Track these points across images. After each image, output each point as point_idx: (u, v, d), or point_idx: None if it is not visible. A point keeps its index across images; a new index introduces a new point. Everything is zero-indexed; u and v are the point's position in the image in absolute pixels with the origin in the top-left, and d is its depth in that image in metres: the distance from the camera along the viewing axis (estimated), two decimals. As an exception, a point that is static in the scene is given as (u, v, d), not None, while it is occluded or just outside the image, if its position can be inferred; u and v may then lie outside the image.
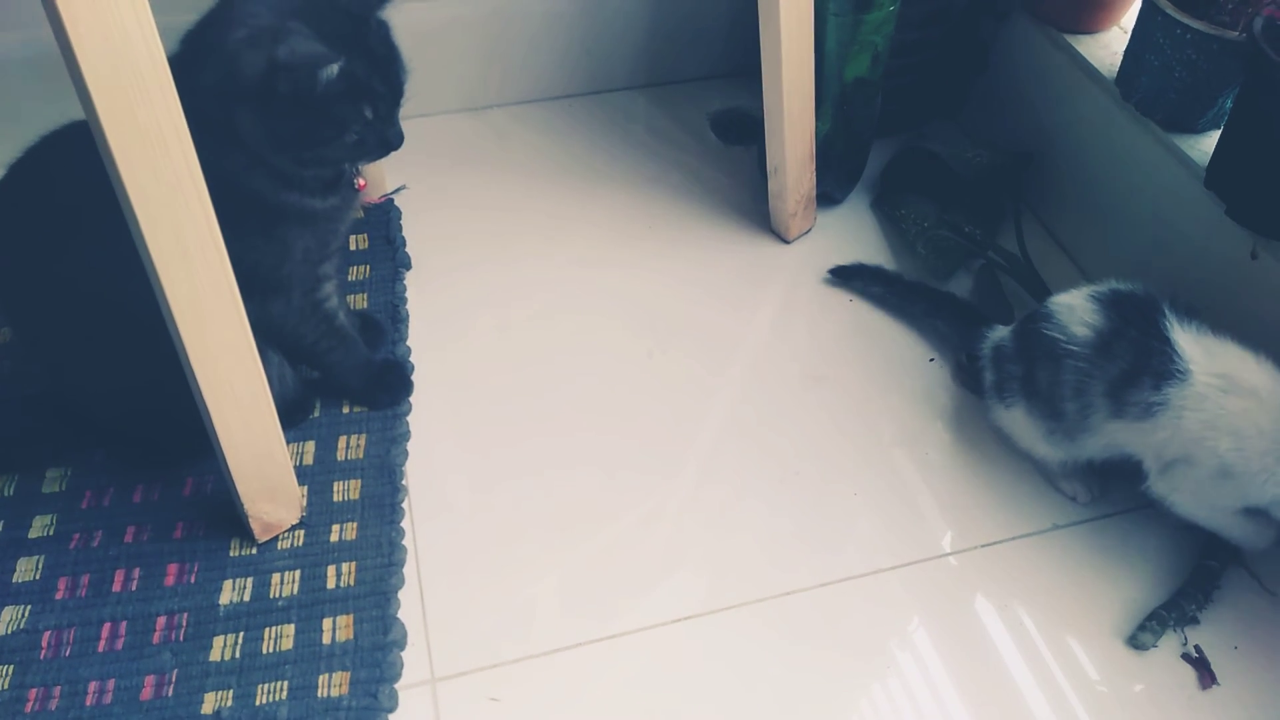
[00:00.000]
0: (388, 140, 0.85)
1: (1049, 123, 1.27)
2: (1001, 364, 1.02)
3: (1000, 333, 1.05)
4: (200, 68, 0.79)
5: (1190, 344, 0.87)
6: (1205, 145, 1.05)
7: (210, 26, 0.80)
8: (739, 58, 1.49)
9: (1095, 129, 1.19)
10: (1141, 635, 0.90)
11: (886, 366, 1.14)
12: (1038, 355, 0.96)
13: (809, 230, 1.30)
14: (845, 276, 1.22)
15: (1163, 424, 0.87)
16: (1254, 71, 0.93)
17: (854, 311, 1.20)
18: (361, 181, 0.93)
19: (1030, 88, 1.30)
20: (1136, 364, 0.88)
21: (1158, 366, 0.87)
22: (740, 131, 1.42)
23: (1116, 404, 0.90)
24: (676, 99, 1.50)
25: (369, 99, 0.81)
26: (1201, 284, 1.07)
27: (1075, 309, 0.94)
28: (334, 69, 0.76)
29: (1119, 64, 1.14)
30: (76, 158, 0.77)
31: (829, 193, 1.31)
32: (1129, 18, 1.18)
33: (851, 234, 1.30)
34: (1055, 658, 0.90)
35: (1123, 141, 1.14)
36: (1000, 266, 1.22)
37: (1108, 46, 1.20)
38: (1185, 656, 0.89)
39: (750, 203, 1.32)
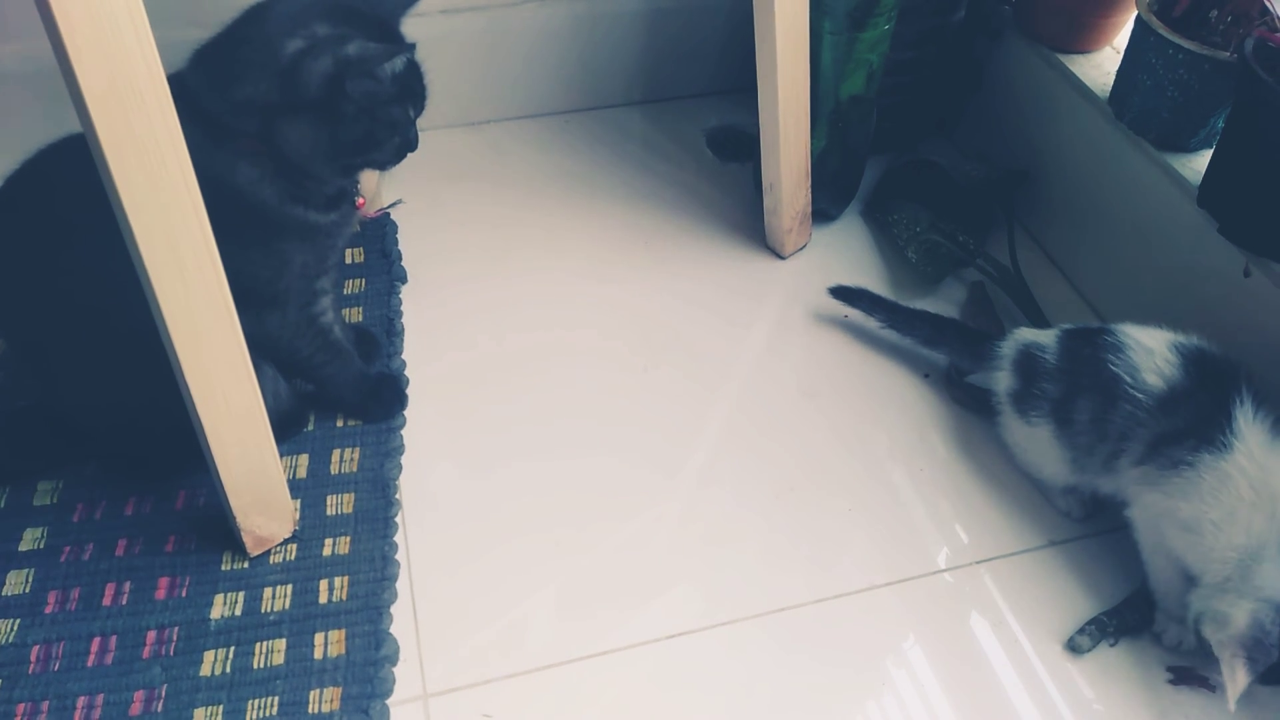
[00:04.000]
0: (412, 142, 0.88)
1: (1042, 141, 1.28)
2: (1032, 376, 0.96)
3: (1029, 335, 0.99)
4: (234, 82, 0.80)
5: (1248, 426, 0.84)
6: (1198, 164, 1.06)
7: (239, 43, 0.81)
8: (735, 75, 1.50)
9: (1088, 148, 1.20)
10: (1078, 639, 0.90)
11: (881, 382, 1.14)
12: (1089, 385, 0.91)
13: (804, 246, 1.30)
14: (846, 298, 1.17)
15: (1177, 481, 0.85)
16: (1245, 91, 0.93)
17: (849, 327, 1.20)
18: (360, 199, 0.94)
19: (1024, 106, 1.31)
20: (1189, 426, 0.85)
21: (1206, 432, 0.84)
22: (736, 148, 1.43)
23: (1149, 453, 0.87)
24: (672, 115, 1.50)
25: (412, 99, 0.85)
26: (1194, 302, 1.07)
27: (1155, 354, 0.89)
28: (400, 62, 0.79)
29: (1112, 83, 1.15)
30: (73, 171, 0.77)
31: (824, 209, 1.32)
32: (1122, 38, 1.19)
33: (847, 250, 1.30)
34: (1050, 676, 0.89)
35: (1115, 160, 1.15)
36: (990, 276, 1.23)
37: (1100, 66, 1.21)
38: (1171, 683, 0.89)
39: (746, 219, 1.33)
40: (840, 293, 1.18)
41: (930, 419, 1.11)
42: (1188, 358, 0.88)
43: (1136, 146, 1.11)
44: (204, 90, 0.79)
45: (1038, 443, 0.98)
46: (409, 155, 0.89)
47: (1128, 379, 0.88)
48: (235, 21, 0.82)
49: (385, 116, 0.83)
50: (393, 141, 0.85)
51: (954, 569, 0.97)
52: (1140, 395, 0.88)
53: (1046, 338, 0.98)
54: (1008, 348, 1.01)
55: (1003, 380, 1.01)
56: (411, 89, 0.85)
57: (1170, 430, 0.86)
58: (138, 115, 0.67)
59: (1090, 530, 1.00)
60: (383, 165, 0.88)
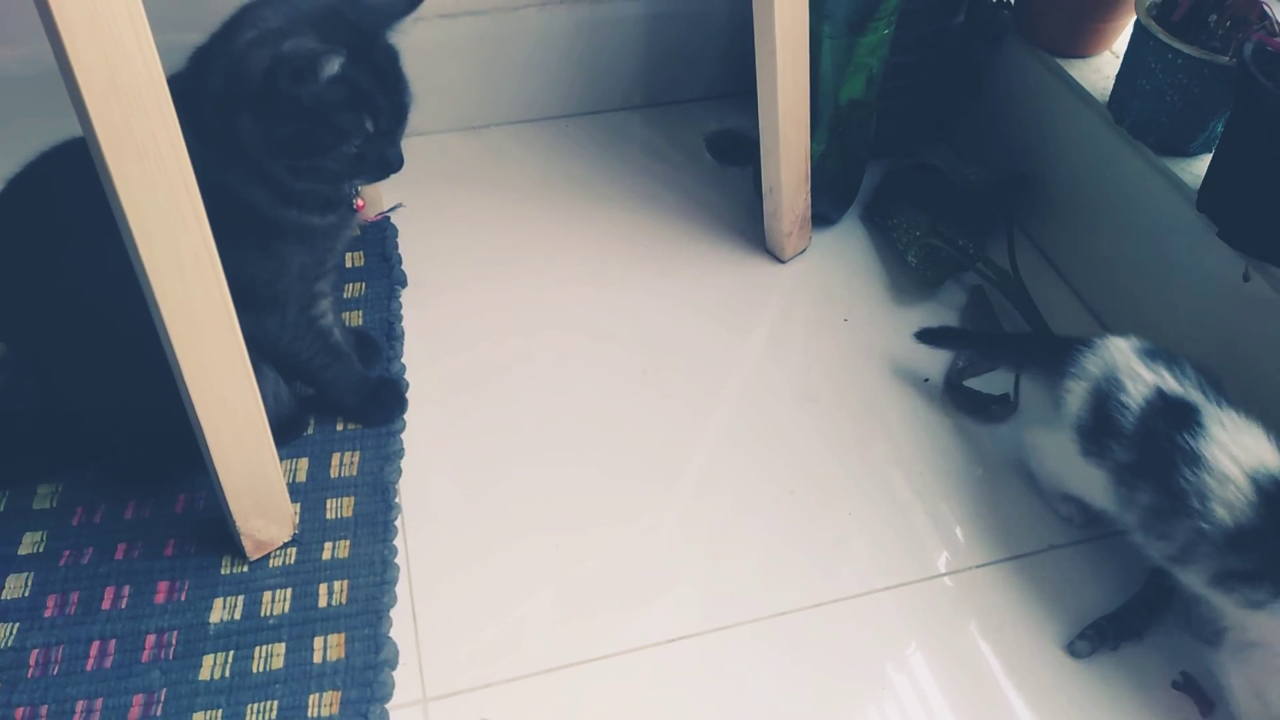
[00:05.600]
0: (388, 160, 0.85)
1: (1042, 145, 1.28)
2: (1105, 422, 0.86)
3: (1119, 359, 0.87)
4: (207, 75, 0.80)
5: None
6: (1197, 168, 1.06)
7: (220, 38, 0.81)
8: (735, 79, 1.50)
9: (1088, 152, 1.20)
10: (1079, 643, 0.90)
11: (881, 386, 1.14)
12: (1157, 476, 0.82)
13: (804, 250, 1.30)
14: (932, 339, 1.11)
15: (1262, 620, 0.78)
16: (1244, 95, 0.93)
17: (848, 331, 1.20)
18: (360, 201, 0.93)
19: (1023, 111, 1.31)
20: (1263, 569, 0.77)
21: None
22: (736, 152, 1.43)
23: (1221, 581, 0.80)
24: (673, 119, 1.50)
25: (370, 111, 0.81)
26: (1194, 306, 1.07)
27: (1230, 482, 0.78)
28: (335, 64, 0.76)
29: (1111, 88, 1.15)
30: (73, 173, 0.77)
31: (824, 213, 1.32)
32: (1121, 42, 1.19)
33: (847, 254, 1.30)
34: (1051, 680, 0.89)
35: (1115, 164, 1.15)
36: (989, 280, 1.23)
37: (1100, 70, 1.21)
38: (1174, 684, 0.89)
39: (746, 223, 1.33)
40: (925, 335, 1.11)
41: (929, 423, 1.10)
42: (1264, 493, 0.78)
43: (1136, 151, 1.11)
44: (193, 89, 0.79)
45: (1087, 478, 0.90)
46: (405, 162, 0.86)
47: (1196, 501, 0.80)
48: (225, 22, 0.82)
49: (330, 121, 0.79)
50: (340, 150, 0.81)
51: (954, 573, 0.97)
52: (1207, 526, 0.79)
53: (1135, 386, 0.86)
54: (1093, 364, 0.89)
55: (1073, 397, 0.90)
56: (368, 99, 0.80)
57: (1241, 569, 0.79)
58: (138, 118, 0.67)
59: (1090, 535, 1.00)
60: (339, 176, 0.84)
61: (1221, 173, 1.00)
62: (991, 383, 1.14)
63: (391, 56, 0.84)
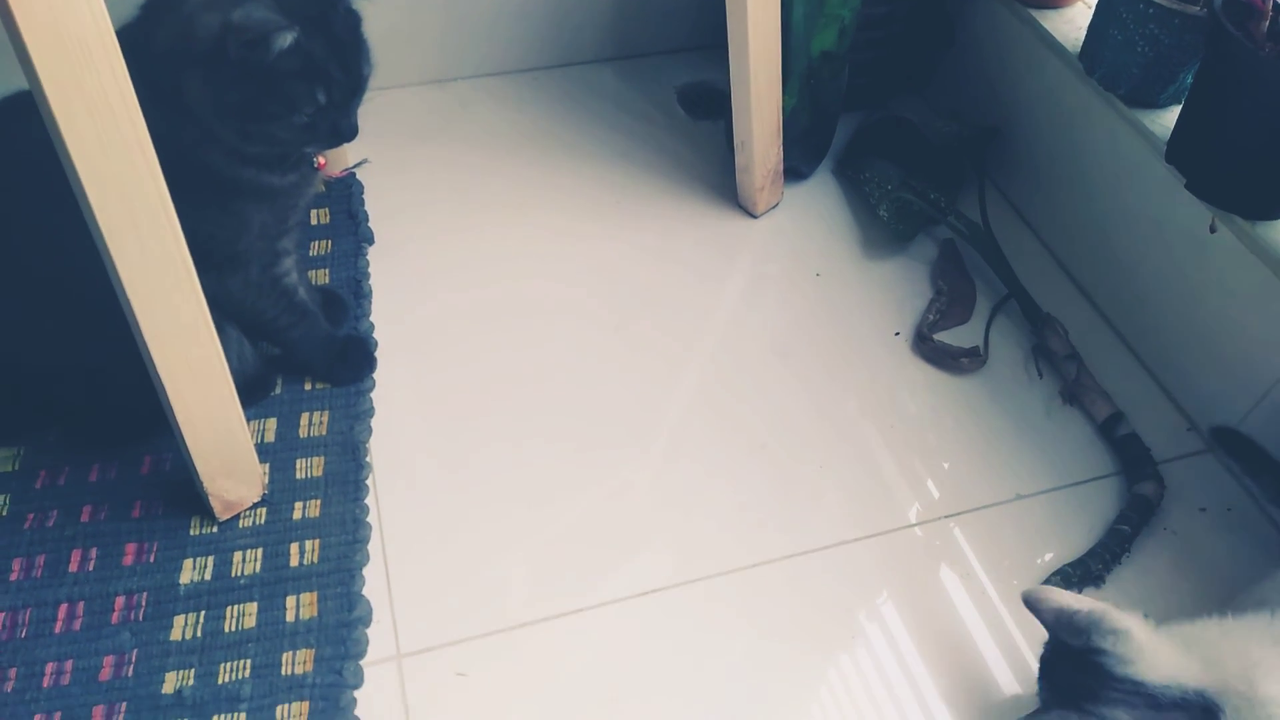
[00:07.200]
0: (340, 130, 0.83)
1: (1013, 97, 1.28)
2: None
3: None
4: (156, 31, 0.77)
5: None
6: (1166, 120, 1.06)
7: None
8: (707, 31, 1.48)
9: (1059, 104, 1.20)
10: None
11: (852, 340, 1.14)
12: None
13: (776, 204, 1.29)
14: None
15: None
16: (1214, 47, 0.93)
17: (821, 285, 1.20)
18: (321, 160, 0.91)
19: (995, 62, 1.30)
20: None
21: None
22: (707, 105, 1.41)
23: None
24: (644, 72, 1.48)
25: (323, 82, 0.79)
26: (1161, 256, 1.08)
27: None
28: (287, 39, 0.74)
29: (1082, 39, 1.14)
30: (22, 129, 0.75)
31: (796, 167, 1.31)
32: (1093, -8, 1.18)
33: (819, 208, 1.30)
34: (1018, 626, 0.91)
35: (1085, 116, 1.15)
36: (960, 233, 1.23)
37: (1072, 21, 1.20)
38: None
39: (718, 177, 1.32)
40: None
41: (901, 376, 1.11)
42: None
43: (1106, 102, 1.11)
44: (143, 43, 0.76)
45: None
46: (371, 117, 0.84)
47: None
48: None
49: (280, 91, 0.77)
50: (291, 119, 0.79)
51: (924, 523, 0.98)
52: None
53: None
54: None
55: None
56: (322, 70, 0.78)
57: None
58: (86, 69, 0.65)
59: (1056, 484, 1.02)
60: (289, 143, 0.83)
61: (1190, 124, 1.00)
62: (962, 336, 1.14)
63: (352, 23, 0.81)
